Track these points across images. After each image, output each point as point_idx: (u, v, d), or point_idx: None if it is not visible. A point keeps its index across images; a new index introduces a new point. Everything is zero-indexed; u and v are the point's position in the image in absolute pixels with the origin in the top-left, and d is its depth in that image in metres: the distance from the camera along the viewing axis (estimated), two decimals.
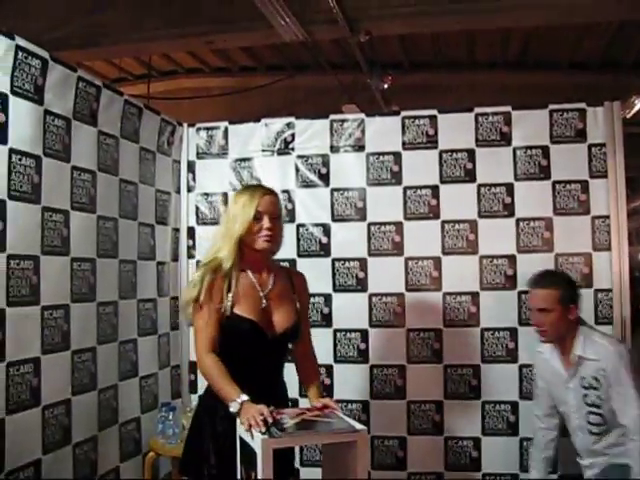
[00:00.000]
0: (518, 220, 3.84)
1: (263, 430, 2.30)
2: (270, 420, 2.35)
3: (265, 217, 2.66)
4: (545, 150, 3.85)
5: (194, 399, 4.06)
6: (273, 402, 2.49)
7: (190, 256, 4.21)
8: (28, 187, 2.80)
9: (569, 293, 3.15)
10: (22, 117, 2.79)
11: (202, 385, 3.93)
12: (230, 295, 2.64)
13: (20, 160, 2.76)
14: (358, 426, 2.42)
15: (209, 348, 2.60)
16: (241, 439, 2.50)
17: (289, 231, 3.95)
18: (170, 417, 3.61)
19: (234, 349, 2.65)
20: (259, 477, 2.27)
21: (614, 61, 6.74)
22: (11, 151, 2.72)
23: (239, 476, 2.52)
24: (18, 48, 2.75)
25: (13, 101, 2.74)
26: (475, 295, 3.86)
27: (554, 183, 3.83)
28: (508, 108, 3.92)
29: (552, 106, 3.87)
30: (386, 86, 7.09)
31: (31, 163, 2.82)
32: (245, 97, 7.65)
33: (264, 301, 2.72)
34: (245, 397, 2.45)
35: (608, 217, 3.76)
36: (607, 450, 3.10)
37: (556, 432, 3.32)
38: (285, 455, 2.66)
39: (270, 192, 2.75)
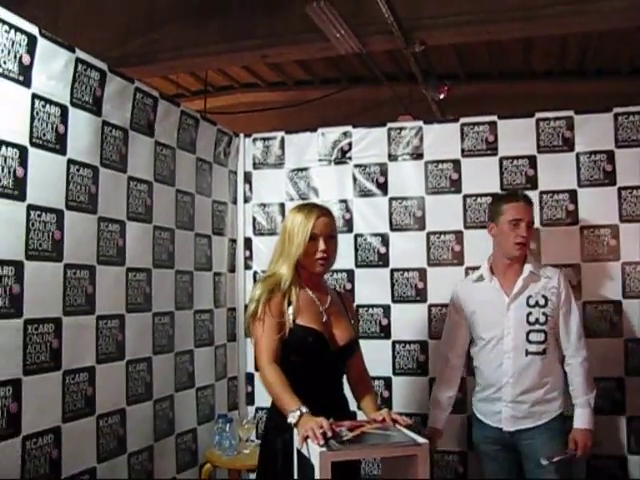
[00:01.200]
0: (582, 228, 3.72)
1: (322, 443, 2.24)
2: (330, 434, 2.29)
3: (320, 239, 2.67)
4: (610, 155, 3.72)
5: (251, 411, 4.05)
6: (335, 416, 2.44)
7: (247, 267, 4.19)
8: (85, 197, 2.82)
9: None
10: (81, 128, 2.81)
11: (259, 397, 3.97)
12: (291, 308, 2.64)
13: (78, 170, 2.78)
14: (419, 439, 2.35)
15: (271, 359, 2.57)
16: (298, 452, 2.45)
17: (347, 241, 3.93)
18: (227, 429, 3.57)
19: (298, 362, 2.62)
20: None
21: None
22: (69, 162, 2.74)
23: None
24: (78, 61, 2.77)
25: (72, 112, 2.76)
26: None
27: (620, 189, 3.69)
28: (570, 113, 3.80)
29: (617, 109, 3.74)
30: (442, 96, 7.01)
31: (88, 174, 2.84)
32: (300, 111, 7.66)
33: (325, 315, 2.72)
34: (305, 409, 2.40)
35: None
36: (536, 385, 3.15)
37: (462, 370, 3.39)
38: (348, 469, 2.58)
39: (325, 213, 2.75)
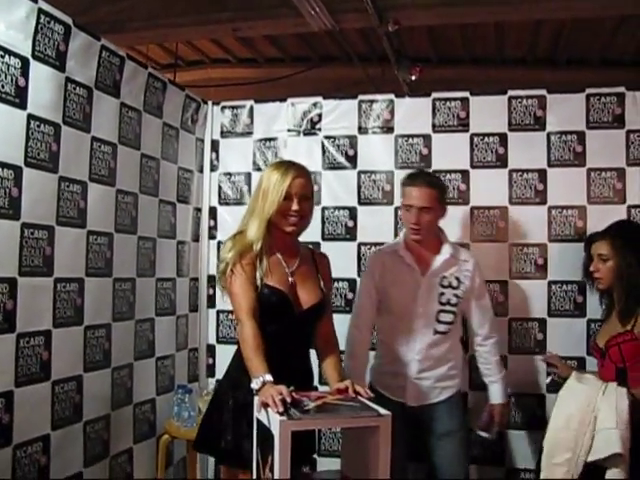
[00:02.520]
0: (550, 208, 3.71)
1: (280, 410, 2.20)
2: (289, 400, 2.25)
3: (295, 199, 2.62)
4: (581, 136, 3.70)
5: (211, 383, 3.99)
6: (298, 385, 2.41)
7: (211, 237, 4.12)
8: (46, 155, 2.71)
9: (444, 194, 3.24)
10: (42, 83, 2.70)
11: (220, 369, 3.91)
12: (262, 266, 2.60)
13: (38, 127, 2.67)
14: (382, 411, 2.31)
15: (251, 313, 2.52)
16: (258, 421, 2.40)
17: (314, 214, 3.85)
18: (186, 400, 3.52)
19: (262, 323, 2.55)
20: (275, 461, 2.17)
21: None
22: (30, 117, 2.63)
23: (255, 459, 2.42)
24: (40, 12, 2.65)
25: (34, 66, 2.65)
26: (503, 284, 3.73)
27: (589, 170, 3.69)
28: (543, 92, 3.79)
29: (589, 90, 3.73)
30: (414, 78, 6.95)
31: (50, 130, 2.73)
32: (271, 88, 7.54)
33: (290, 278, 2.67)
34: (269, 377, 2.35)
35: None
36: (441, 362, 3.19)
37: (370, 338, 3.35)
38: (305, 441, 2.54)
39: (302, 173, 2.69)
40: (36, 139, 2.65)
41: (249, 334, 2.48)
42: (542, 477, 2.93)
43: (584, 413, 2.84)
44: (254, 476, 2.40)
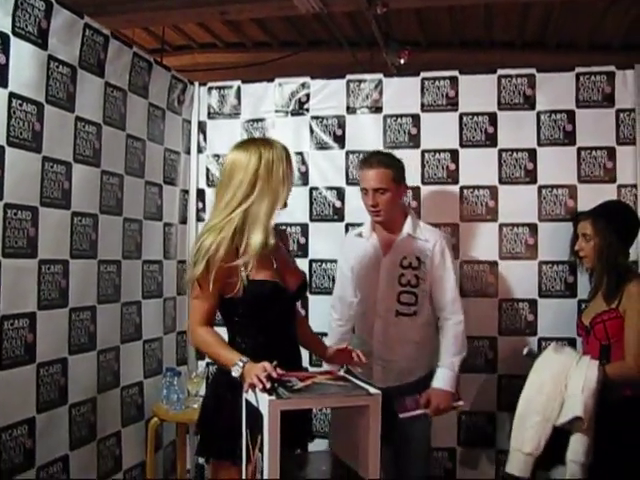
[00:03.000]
0: (540, 187, 3.69)
1: (268, 386, 2.18)
2: (274, 375, 2.22)
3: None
4: (570, 115, 3.68)
5: (201, 365, 3.96)
6: (293, 366, 2.41)
7: (199, 219, 4.08)
8: (28, 134, 2.66)
9: (400, 173, 3.20)
10: (24, 60, 2.64)
11: None
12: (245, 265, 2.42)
13: (21, 105, 2.62)
14: (372, 390, 2.29)
15: (203, 322, 2.44)
16: (247, 402, 2.37)
17: (302, 194, 3.86)
18: (175, 382, 3.49)
19: (253, 317, 2.47)
20: (265, 441, 2.15)
21: (637, 43, 6.54)
22: (11, 95, 2.57)
23: (244, 441, 2.39)
24: None
25: (15, 43, 2.58)
26: (493, 264, 3.71)
27: (579, 149, 3.67)
28: (532, 70, 3.76)
29: (579, 69, 3.71)
30: (402, 61, 6.91)
31: (32, 110, 2.68)
32: (259, 73, 7.47)
33: (275, 263, 2.54)
34: (246, 359, 2.31)
35: (635, 186, 3.59)
36: (406, 345, 3.18)
37: (351, 324, 3.35)
38: (299, 425, 2.52)
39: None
40: (18, 118, 2.60)
41: (206, 336, 2.42)
42: (512, 439, 2.98)
43: (557, 381, 2.90)
44: (243, 457, 2.38)
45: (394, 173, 3.13)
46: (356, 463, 2.36)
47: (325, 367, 3.07)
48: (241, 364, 2.30)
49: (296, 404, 2.20)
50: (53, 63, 2.80)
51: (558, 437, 2.88)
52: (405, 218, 3.23)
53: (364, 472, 2.30)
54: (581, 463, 2.84)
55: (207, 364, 3.97)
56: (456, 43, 7.27)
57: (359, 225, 3.57)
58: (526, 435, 2.91)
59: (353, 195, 3.82)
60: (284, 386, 2.23)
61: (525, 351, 3.20)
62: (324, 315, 3.46)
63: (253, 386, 2.21)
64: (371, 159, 3.16)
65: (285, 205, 2.50)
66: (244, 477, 2.39)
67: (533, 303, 3.67)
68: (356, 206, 3.79)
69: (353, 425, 2.36)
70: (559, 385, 2.89)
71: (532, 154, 3.70)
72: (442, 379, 3.16)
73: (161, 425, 3.61)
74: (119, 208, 3.34)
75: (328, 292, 3.68)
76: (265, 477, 2.15)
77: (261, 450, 2.19)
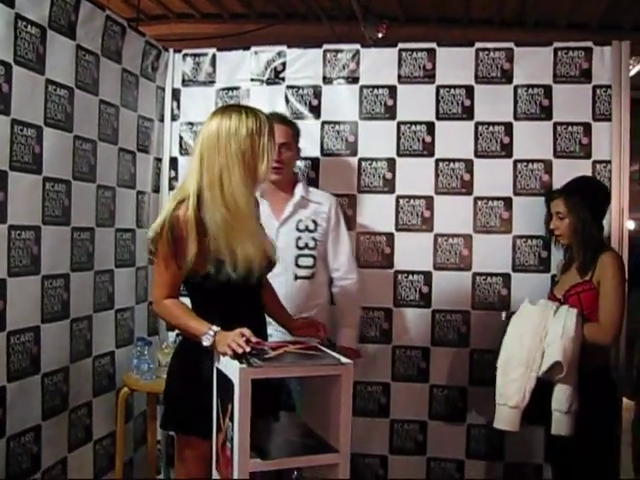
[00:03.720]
0: (516, 161, 3.68)
1: (248, 350, 2.18)
2: (254, 340, 2.22)
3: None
4: (547, 90, 3.68)
5: (171, 336, 3.93)
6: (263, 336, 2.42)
7: (172, 188, 4.01)
8: None
9: (298, 132, 3.37)
10: None
11: None
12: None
13: None
14: (343, 360, 2.28)
15: (168, 294, 2.41)
16: (218, 370, 2.36)
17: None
18: (146, 352, 3.46)
19: (227, 293, 2.42)
20: (235, 409, 2.14)
21: (614, 24, 6.56)
22: None
23: (215, 410, 2.38)
24: None
25: None
26: (467, 238, 3.71)
27: (555, 124, 3.67)
28: (511, 44, 3.74)
29: (557, 44, 3.71)
30: (380, 35, 6.87)
31: (0, 70, 2.60)
32: (235, 44, 7.39)
33: None
34: (216, 327, 2.31)
35: (610, 162, 3.60)
36: (307, 308, 3.17)
37: None
38: (271, 392, 2.50)
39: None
40: None
41: (170, 306, 2.41)
42: (497, 395, 3.03)
43: (535, 331, 2.96)
44: (214, 425, 2.37)
45: (294, 131, 3.29)
46: (327, 433, 2.36)
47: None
48: (212, 333, 2.29)
49: (267, 372, 2.20)
50: (21, 22, 2.70)
51: (543, 390, 2.94)
52: (295, 184, 3.30)
53: (335, 442, 2.30)
54: (564, 411, 2.92)
55: (177, 334, 3.94)
56: (434, 19, 7.26)
57: (337, 195, 3.56)
58: (510, 388, 2.96)
59: (328, 166, 3.81)
60: (256, 355, 2.21)
61: (503, 316, 3.24)
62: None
63: (233, 351, 2.19)
64: (275, 115, 3.10)
65: (264, 179, 2.48)
66: (214, 446, 2.39)
67: (507, 277, 3.68)
68: (331, 176, 3.80)
69: (324, 395, 2.36)
70: (538, 335, 2.95)
71: (508, 128, 3.69)
72: (347, 338, 3.30)
73: (131, 395, 3.58)
74: (92, 175, 3.28)
75: None
76: (235, 446, 2.14)
77: (231, 419, 2.18)
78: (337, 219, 3.34)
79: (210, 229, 2.33)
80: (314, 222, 3.25)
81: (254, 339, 2.23)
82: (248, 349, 2.18)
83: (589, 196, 3.16)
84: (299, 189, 3.29)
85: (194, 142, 2.49)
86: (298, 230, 3.24)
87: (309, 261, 3.25)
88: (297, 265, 3.22)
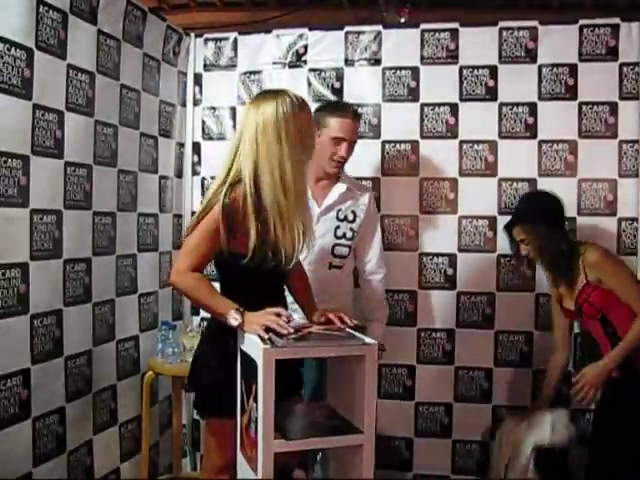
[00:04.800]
0: (540, 142, 3.64)
1: (291, 330, 2.22)
2: (292, 320, 2.29)
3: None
4: (573, 68, 3.62)
5: (195, 320, 3.94)
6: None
7: (195, 173, 4.04)
8: (18, 80, 2.57)
9: None
10: (10, 3, 2.55)
11: None
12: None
13: (9, 50, 2.53)
14: (368, 340, 2.27)
15: (195, 267, 2.39)
16: (242, 351, 2.35)
17: None
18: (170, 336, 3.47)
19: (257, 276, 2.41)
20: (259, 390, 2.13)
21: None
22: None
23: (239, 391, 2.38)
24: None
25: None
26: (492, 220, 3.68)
27: (580, 104, 3.61)
28: (535, 23, 3.69)
29: (582, 21, 3.64)
30: (403, 20, 6.82)
31: (22, 55, 2.59)
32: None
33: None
34: (241, 308, 2.31)
35: (637, 142, 3.55)
36: (334, 298, 3.09)
37: None
38: (293, 372, 2.52)
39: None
40: (7, 63, 2.51)
41: (195, 279, 2.39)
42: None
43: None
44: (238, 407, 2.36)
45: None
46: (351, 415, 2.34)
47: None
48: (240, 312, 2.29)
49: (291, 353, 2.19)
50: (42, 7, 2.70)
51: None
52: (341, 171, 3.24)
53: (359, 423, 2.29)
54: None
55: (202, 319, 3.96)
56: (457, 2, 7.18)
57: (359, 179, 3.54)
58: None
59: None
60: (279, 335, 2.21)
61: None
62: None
63: (270, 331, 2.22)
64: (349, 109, 3.17)
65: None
66: (238, 427, 2.39)
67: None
68: (355, 160, 3.74)
69: (349, 376, 2.34)
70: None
71: (533, 108, 3.64)
72: (379, 332, 3.24)
73: (156, 379, 3.59)
74: (114, 159, 3.28)
75: None
76: (259, 427, 2.14)
77: (255, 400, 2.17)
78: (374, 212, 3.33)
79: (266, 212, 2.34)
80: (353, 213, 3.21)
81: (286, 318, 2.25)
82: (292, 330, 2.20)
83: (542, 215, 3.13)
84: (345, 179, 3.24)
85: (241, 126, 2.45)
86: (338, 219, 3.19)
87: (345, 251, 3.21)
88: (333, 254, 3.19)
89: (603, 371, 2.96)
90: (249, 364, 2.25)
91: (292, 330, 2.21)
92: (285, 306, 2.60)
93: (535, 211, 3.18)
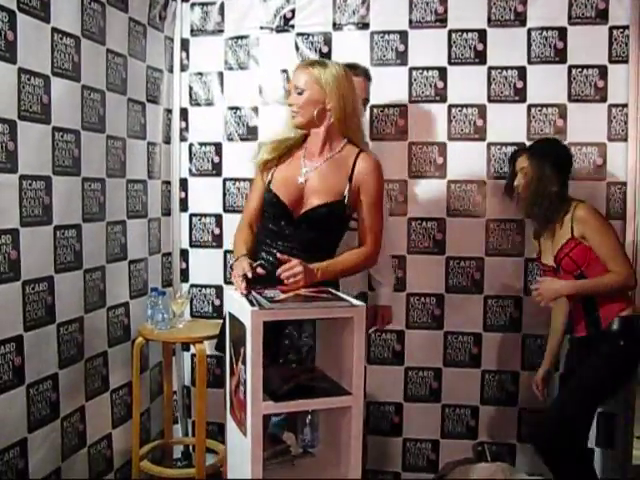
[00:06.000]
0: (530, 106, 3.63)
1: (242, 287, 2.33)
2: (250, 275, 2.35)
3: (292, 92, 2.66)
4: (562, 32, 3.60)
5: (185, 287, 3.95)
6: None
7: (183, 139, 4.01)
8: (1, 43, 2.54)
9: None
10: None
11: (194, 274, 3.90)
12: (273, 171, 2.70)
13: None
14: (355, 302, 2.28)
15: (245, 222, 2.75)
16: (230, 315, 2.37)
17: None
18: (159, 302, 3.46)
19: (264, 223, 2.70)
20: (248, 354, 2.14)
21: None
22: None
23: (227, 354, 2.40)
24: None
25: None
26: (481, 184, 3.69)
27: (570, 67, 3.60)
28: None
29: None
30: None
31: (3, 17, 2.55)
32: None
33: (301, 178, 2.64)
34: (242, 256, 2.52)
35: (626, 106, 3.54)
36: None
37: None
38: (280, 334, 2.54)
39: (300, 65, 2.72)
40: None
41: (237, 235, 2.73)
42: None
43: None
44: (227, 369, 2.38)
45: None
46: (340, 376, 2.36)
47: None
48: (235, 258, 2.54)
49: (279, 315, 2.20)
50: None
51: None
52: None
53: (348, 385, 2.31)
54: None
55: (191, 286, 3.99)
56: None
57: None
58: None
59: None
60: (265, 297, 2.22)
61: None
62: None
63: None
64: (361, 68, 3.30)
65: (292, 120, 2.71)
66: (227, 390, 2.41)
67: (519, 224, 3.67)
68: None
69: (337, 338, 2.36)
70: None
71: (522, 72, 3.63)
72: (388, 297, 3.43)
73: (147, 345, 3.61)
74: (101, 125, 3.26)
75: None
76: (248, 389, 2.16)
77: (244, 363, 2.19)
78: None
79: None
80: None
81: (250, 274, 2.39)
82: (243, 286, 2.34)
83: (552, 154, 3.18)
84: None
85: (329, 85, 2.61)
86: None
87: None
88: None
89: (557, 289, 3.08)
90: (237, 326, 2.26)
91: (243, 286, 2.34)
92: None
93: (547, 149, 3.21)
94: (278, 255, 2.47)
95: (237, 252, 2.61)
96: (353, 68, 3.06)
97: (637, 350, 3.07)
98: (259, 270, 2.41)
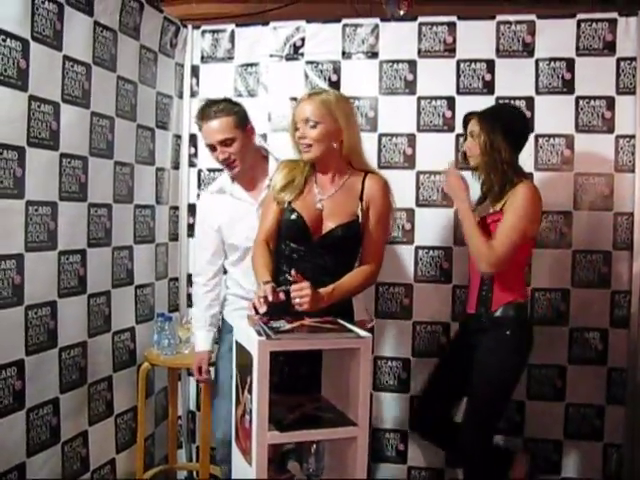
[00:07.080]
0: (537, 136, 3.62)
1: (262, 310, 2.32)
2: (270, 298, 2.33)
3: (300, 126, 2.67)
4: (570, 63, 3.61)
5: (192, 312, 3.93)
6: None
7: (192, 164, 4.03)
8: (13, 72, 2.57)
9: (243, 115, 3.11)
10: None
11: None
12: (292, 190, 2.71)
13: (4, 41, 2.53)
14: (362, 333, 2.27)
15: (261, 237, 2.73)
16: (237, 343, 2.37)
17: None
18: (166, 327, 3.47)
19: (282, 245, 2.71)
20: (254, 382, 2.14)
21: None
22: None
23: (234, 383, 2.39)
24: None
25: None
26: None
27: (577, 98, 3.60)
28: (532, 17, 3.68)
29: (580, 15, 3.62)
30: (402, 13, 6.80)
31: (17, 46, 2.59)
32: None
33: (318, 204, 2.68)
34: (267, 280, 2.49)
35: (633, 137, 3.53)
36: None
37: (219, 288, 3.29)
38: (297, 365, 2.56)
39: (307, 99, 2.70)
40: (2, 54, 2.51)
41: (257, 251, 2.71)
42: None
43: None
44: (233, 398, 2.38)
45: (236, 119, 3.04)
46: (346, 407, 2.35)
47: None
48: (261, 283, 2.50)
49: (286, 345, 2.20)
50: None
51: None
52: (267, 161, 3.17)
53: (354, 416, 2.30)
54: None
55: None
56: None
57: None
58: None
59: None
60: (272, 328, 2.21)
61: None
62: None
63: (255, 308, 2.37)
64: (215, 110, 3.05)
65: (305, 154, 2.73)
66: (233, 419, 2.40)
67: None
68: None
69: (343, 368, 2.35)
70: None
71: (530, 102, 3.64)
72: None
73: (152, 370, 3.61)
74: (110, 151, 3.28)
75: None
76: (254, 418, 2.15)
77: (250, 392, 2.18)
78: None
79: None
80: None
81: (271, 297, 2.37)
82: (263, 309, 2.34)
83: (505, 119, 3.04)
84: (272, 169, 3.06)
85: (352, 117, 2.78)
86: None
87: None
88: None
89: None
90: (244, 356, 2.26)
91: (263, 310, 2.33)
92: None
93: (503, 113, 3.15)
94: (292, 271, 2.46)
95: (260, 277, 2.56)
96: (201, 111, 3.10)
97: (524, 337, 3.02)
98: (281, 295, 2.40)
